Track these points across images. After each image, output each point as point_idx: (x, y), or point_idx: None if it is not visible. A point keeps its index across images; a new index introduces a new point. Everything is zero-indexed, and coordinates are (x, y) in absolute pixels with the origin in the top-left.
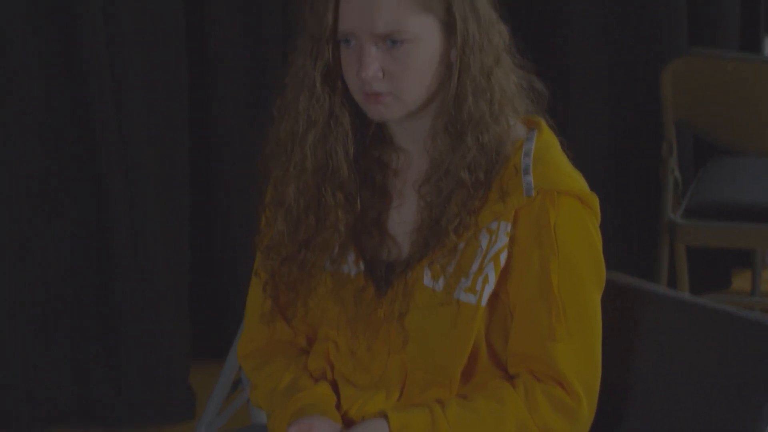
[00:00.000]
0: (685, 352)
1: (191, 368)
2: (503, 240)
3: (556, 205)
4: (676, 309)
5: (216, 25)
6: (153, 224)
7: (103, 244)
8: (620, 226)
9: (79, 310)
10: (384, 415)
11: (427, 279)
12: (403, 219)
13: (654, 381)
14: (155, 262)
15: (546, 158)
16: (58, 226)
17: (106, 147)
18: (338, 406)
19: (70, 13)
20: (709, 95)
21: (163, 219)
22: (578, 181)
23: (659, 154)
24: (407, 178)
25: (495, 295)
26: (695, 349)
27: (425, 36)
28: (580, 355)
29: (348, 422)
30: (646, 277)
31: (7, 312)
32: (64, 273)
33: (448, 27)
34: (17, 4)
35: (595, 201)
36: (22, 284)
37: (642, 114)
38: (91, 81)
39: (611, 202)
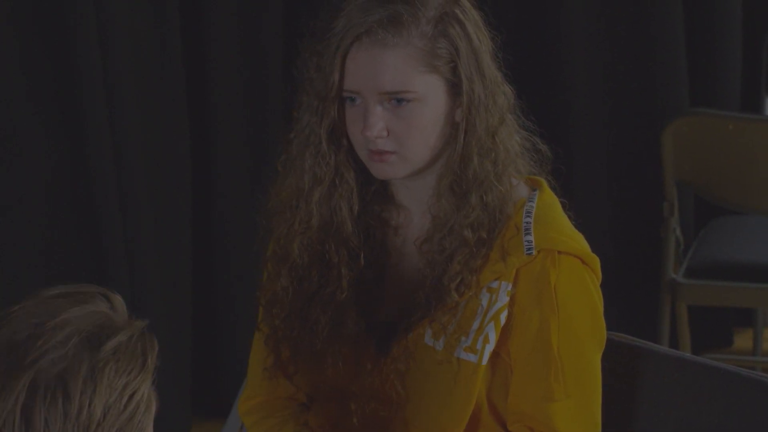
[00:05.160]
0: (686, 411)
1: (192, 427)
2: (504, 299)
3: (556, 265)
4: (677, 368)
5: (217, 77)
6: (154, 282)
7: None
8: (621, 286)
9: None
10: None
11: (428, 337)
12: (403, 276)
13: None
14: (156, 320)
15: (547, 218)
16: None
17: (105, 207)
18: None
19: (69, 71)
20: (710, 155)
21: (165, 277)
22: (579, 242)
23: (660, 213)
24: (407, 236)
25: (496, 354)
26: (696, 409)
27: (431, 95)
28: (578, 416)
29: None
30: (647, 336)
31: None
32: None
33: (454, 87)
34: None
35: (595, 262)
36: None
37: (643, 174)
38: (91, 139)
39: (612, 261)
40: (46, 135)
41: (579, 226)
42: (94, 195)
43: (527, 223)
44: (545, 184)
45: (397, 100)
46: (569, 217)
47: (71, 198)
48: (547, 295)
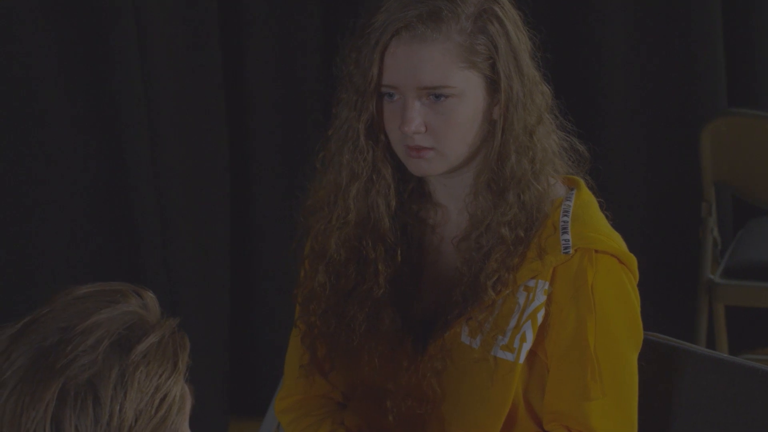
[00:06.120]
0: (723, 411)
1: (229, 426)
2: (541, 298)
3: (594, 264)
4: (714, 368)
5: (255, 76)
6: (192, 281)
7: None
8: (659, 286)
9: None
10: None
11: (464, 336)
12: (440, 275)
13: None
14: (194, 319)
15: (584, 217)
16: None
17: (143, 209)
18: None
19: (109, 79)
20: (748, 155)
21: (202, 277)
22: (616, 241)
23: (698, 214)
24: (444, 234)
25: (533, 353)
26: (733, 409)
27: (469, 92)
28: (614, 415)
29: None
30: (684, 337)
31: None
32: None
33: (493, 84)
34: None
35: (633, 261)
36: None
37: (681, 174)
38: (130, 142)
39: (650, 261)
40: (85, 139)
41: (616, 225)
42: (132, 197)
43: (564, 222)
44: (583, 183)
45: (435, 95)
46: (607, 217)
47: (110, 201)
48: (584, 294)
